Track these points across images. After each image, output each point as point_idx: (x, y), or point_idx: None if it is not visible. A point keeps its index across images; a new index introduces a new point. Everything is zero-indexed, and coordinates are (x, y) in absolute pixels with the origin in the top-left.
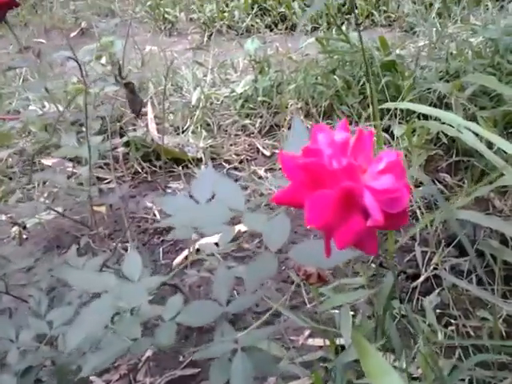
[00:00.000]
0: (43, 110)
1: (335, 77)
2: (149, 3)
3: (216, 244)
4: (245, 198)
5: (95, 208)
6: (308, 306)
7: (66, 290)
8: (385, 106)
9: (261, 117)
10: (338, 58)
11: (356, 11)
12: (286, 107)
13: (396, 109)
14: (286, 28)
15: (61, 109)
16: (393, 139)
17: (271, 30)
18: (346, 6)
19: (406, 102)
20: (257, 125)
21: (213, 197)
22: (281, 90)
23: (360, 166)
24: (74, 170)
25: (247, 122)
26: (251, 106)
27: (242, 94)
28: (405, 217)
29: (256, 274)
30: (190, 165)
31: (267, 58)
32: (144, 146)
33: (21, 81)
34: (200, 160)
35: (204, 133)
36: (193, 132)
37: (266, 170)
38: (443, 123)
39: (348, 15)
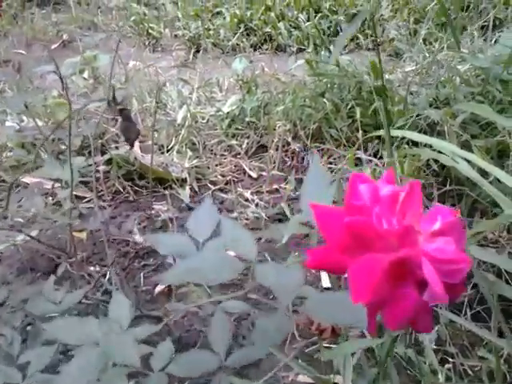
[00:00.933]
0: (21, 125)
1: (324, 100)
2: (133, 18)
3: None
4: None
5: (75, 234)
6: (299, 339)
7: (40, 325)
8: (384, 133)
9: (248, 137)
10: (326, 81)
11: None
12: (274, 129)
13: None
14: (272, 48)
15: (39, 124)
16: (383, 165)
17: (256, 50)
18: (332, 29)
19: (396, 127)
20: (243, 145)
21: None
22: (268, 111)
23: (414, 228)
24: (54, 189)
25: (234, 142)
26: (238, 126)
27: (228, 113)
28: (462, 286)
29: (266, 334)
30: (174, 185)
31: (255, 77)
32: (126, 165)
33: None
34: (185, 180)
35: (189, 152)
36: (178, 151)
37: (252, 193)
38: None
39: (334, 37)
